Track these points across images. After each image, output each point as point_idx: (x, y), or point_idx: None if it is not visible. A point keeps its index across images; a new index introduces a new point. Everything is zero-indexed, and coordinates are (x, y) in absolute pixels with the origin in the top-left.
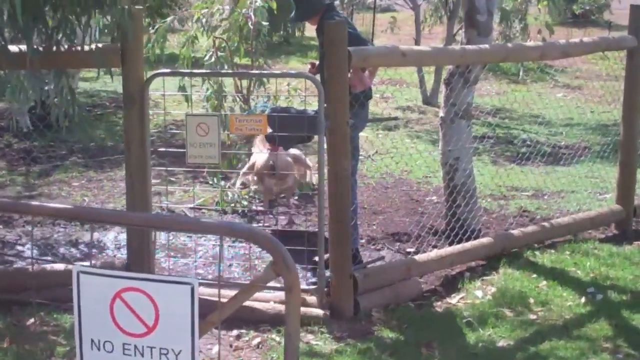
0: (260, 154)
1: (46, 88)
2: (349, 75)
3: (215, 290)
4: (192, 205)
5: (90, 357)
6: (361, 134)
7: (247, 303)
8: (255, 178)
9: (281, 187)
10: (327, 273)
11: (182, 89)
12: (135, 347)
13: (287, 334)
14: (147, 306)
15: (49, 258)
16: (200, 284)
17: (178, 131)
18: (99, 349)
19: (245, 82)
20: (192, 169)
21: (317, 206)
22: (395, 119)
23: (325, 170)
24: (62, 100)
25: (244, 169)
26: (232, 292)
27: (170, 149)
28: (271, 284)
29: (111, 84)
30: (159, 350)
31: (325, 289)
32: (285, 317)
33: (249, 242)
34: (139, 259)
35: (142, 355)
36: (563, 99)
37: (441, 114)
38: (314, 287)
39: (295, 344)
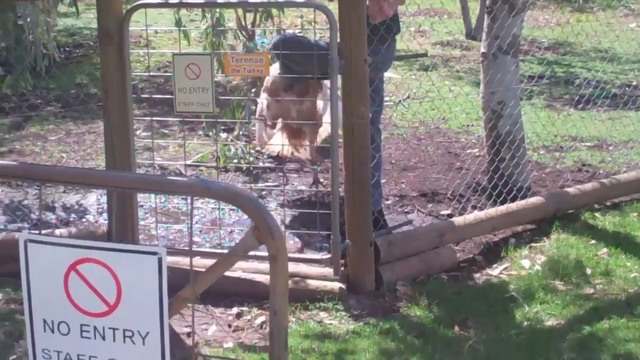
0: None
1: (20, 23)
2: (367, 2)
3: (198, 261)
4: (188, 162)
5: (44, 340)
6: (390, 74)
7: (247, 275)
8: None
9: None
10: (344, 241)
11: (177, 23)
12: (95, 328)
13: (271, 313)
14: (107, 280)
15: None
16: (173, 254)
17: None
18: (52, 331)
19: (250, 16)
20: (189, 119)
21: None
22: (425, 55)
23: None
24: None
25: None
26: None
27: (156, 96)
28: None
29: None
30: (123, 332)
31: (342, 260)
32: (270, 293)
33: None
34: (122, 226)
35: (103, 338)
36: (636, 30)
37: (482, 48)
38: (327, 256)
39: (282, 325)
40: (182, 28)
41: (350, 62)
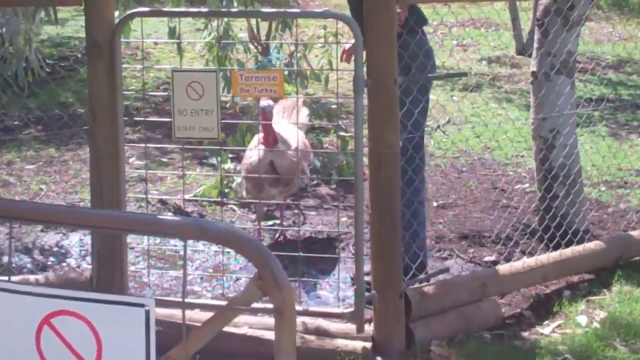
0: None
1: None
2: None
3: (196, 314)
4: (187, 197)
5: None
6: (430, 96)
7: (255, 332)
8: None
9: (286, 194)
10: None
11: (172, 33)
12: None
13: None
14: (86, 336)
15: None
16: (164, 305)
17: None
18: None
19: (264, 25)
20: (191, 146)
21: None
22: (464, 75)
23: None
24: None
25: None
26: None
27: (153, 118)
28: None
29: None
30: None
31: (367, 314)
32: (275, 353)
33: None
34: (108, 271)
35: None
36: None
37: (532, 67)
38: (349, 310)
39: None
40: (180, 41)
41: (377, 81)
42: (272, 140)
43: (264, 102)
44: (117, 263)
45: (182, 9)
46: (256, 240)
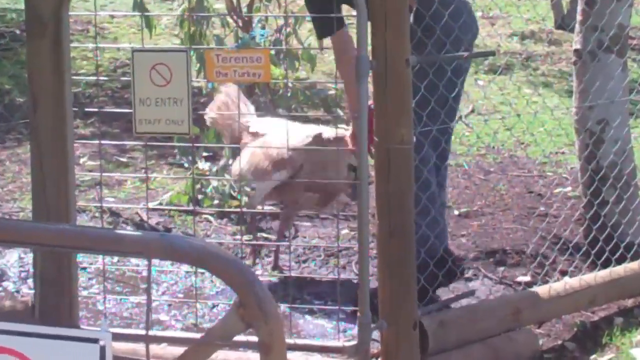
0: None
1: None
2: None
3: (164, 350)
4: (152, 205)
5: None
6: None
7: None
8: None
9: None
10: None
11: (138, 5)
12: None
13: None
14: None
15: None
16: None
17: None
18: None
19: None
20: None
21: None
22: (491, 53)
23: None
24: None
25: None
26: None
27: (110, 109)
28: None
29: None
30: None
31: (373, 348)
32: None
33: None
34: (54, 297)
35: None
36: None
37: (576, 44)
38: (352, 342)
39: None
40: (143, 13)
41: (385, 63)
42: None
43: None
44: (65, 287)
45: None
46: (237, 260)
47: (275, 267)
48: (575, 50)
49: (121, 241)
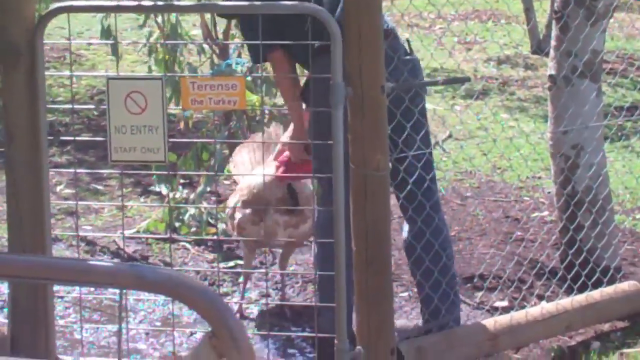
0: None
1: None
2: None
3: None
4: (128, 233)
5: None
6: (427, 105)
7: None
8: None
9: (296, 232)
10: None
11: (104, 32)
12: None
13: None
14: None
15: None
16: None
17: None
18: None
19: (223, 22)
20: (132, 172)
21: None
22: (467, 79)
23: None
24: None
25: (232, 200)
26: None
27: (85, 137)
28: None
29: None
30: None
31: None
32: None
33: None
34: (30, 327)
35: None
36: None
37: (550, 69)
38: None
39: None
40: (116, 41)
41: (361, 90)
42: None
43: None
44: (41, 317)
45: (119, 2)
46: (208, 290)
47: (283, 298)
48: (550, 76)
49: (92, 272)
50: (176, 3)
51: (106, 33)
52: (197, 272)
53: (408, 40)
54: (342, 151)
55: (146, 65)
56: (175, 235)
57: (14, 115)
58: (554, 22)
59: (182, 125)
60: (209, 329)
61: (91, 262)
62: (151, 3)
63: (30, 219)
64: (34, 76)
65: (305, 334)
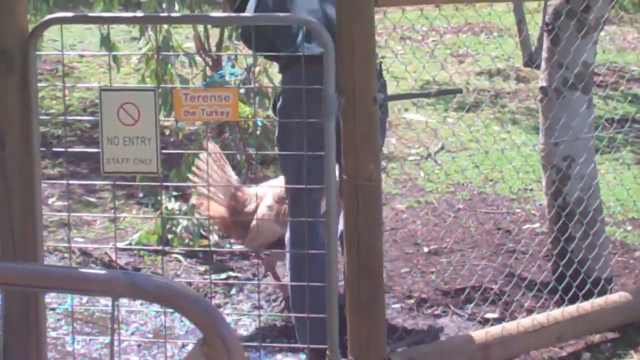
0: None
1: None
2: None
3: None
4: (120, 245)
5: None
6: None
7: None
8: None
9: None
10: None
11: (103, 42)
12: None
13: None
14: None
15: None
16: None
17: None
18: None
19: (215, 33)
20: (124, 183)
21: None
22: (459, 91)
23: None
24: None
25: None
26: None
27: (78, 149)
28: None
29: None
30: None
31: None
32: None
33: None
34: (21, 338)
35: None
36: None
37: (541, 81)
38: None
39: None
40: (110, 53)
41: (353, 101)
42: None
43: None
44: (32, 328)
45: (112, 14)
46: (201, 298)
47: (285, 308)
48: (541, 88)
49: (86, 280)
50: (168, 15)
51: (106, 41)
52: (190, 284)
53: (381, 63)
54: (334, 162)
55: (137, 77)
56: (167, 247)
57: (5, 124)
58: (545, 34)
59: (179, 135)
60: (200, 338)
61: (85, 270)
62: (142, 15)
63: (22, 229)
64: (26, 86)
65: (297, 345)
